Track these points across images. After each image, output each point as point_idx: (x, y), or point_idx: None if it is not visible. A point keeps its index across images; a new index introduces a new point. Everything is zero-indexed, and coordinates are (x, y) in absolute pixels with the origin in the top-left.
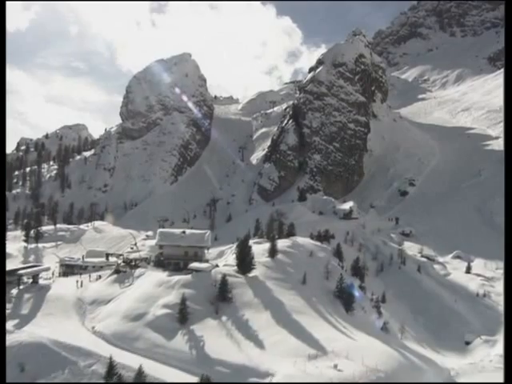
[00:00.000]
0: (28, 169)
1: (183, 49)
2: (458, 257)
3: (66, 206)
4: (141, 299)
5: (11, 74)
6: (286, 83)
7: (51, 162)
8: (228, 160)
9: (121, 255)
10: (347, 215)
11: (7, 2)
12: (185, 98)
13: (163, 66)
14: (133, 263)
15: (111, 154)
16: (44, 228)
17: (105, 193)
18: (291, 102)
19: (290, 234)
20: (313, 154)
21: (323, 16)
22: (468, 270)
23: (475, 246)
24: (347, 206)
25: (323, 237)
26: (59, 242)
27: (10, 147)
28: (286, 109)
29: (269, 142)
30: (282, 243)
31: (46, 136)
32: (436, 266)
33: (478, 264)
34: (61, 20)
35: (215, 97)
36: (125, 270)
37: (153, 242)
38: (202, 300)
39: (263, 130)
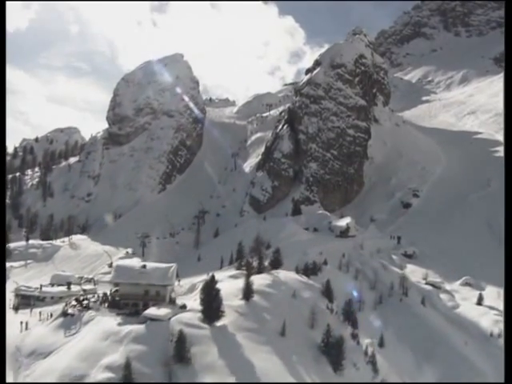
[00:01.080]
0: (10, 176)
1: (184, 48)
2: (467, 283)
3: (48, 217)
4: (82, 356)
5: (12, 74)
6: (286, 84)
7: (36, 169)
8: (220, 167)
9: (91, 279)
10: (344, 233)
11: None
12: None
13: (153, 68)
14: (84, 303)
15: (96, 161)
16: (13, 245)
17: (88, 202)
18: (288, 106)
19: (276, 263)
20: (309, 163)
21: (326, 15)
22: (479, 302)
23: (486, 268)
24: (344, 222)
25: (311, 269)
26: (29, 261)
27: (12, 148)
28: (281, 113)
29: (263, 148)
30: (260, 280)
31: (36, 139)
32: (443, 296)
33: (490, 293)
34: (61, 19)
35: (210, 99)
36: (73, 312)
37: (131, 262)
38: (153, 361)
39: (258, 134)
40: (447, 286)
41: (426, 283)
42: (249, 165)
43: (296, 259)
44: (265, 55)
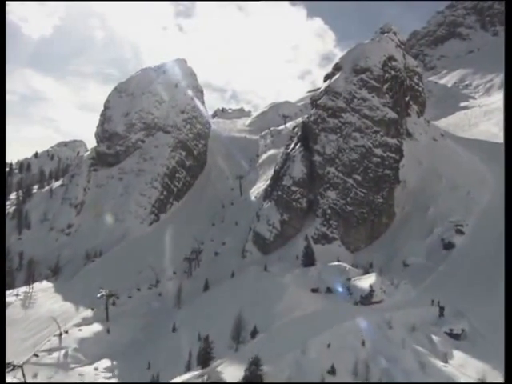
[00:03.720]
0: None
1: (210, 53)
2: None
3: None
4: None
5: (42, 82)
6: (309, 91)
7: (20, 192)
8: (226, 193)
9: (15, 367)
10: (367, 298)
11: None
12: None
13: (149, 75)
14: None
15: (80, 186)
16: None
17: (68, 235)
18: (301, 120)
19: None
20: (326, 191)
21: (356, 17)
22: None
23: None
24: (367, 282)
25: None
26: None
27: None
28: (293, 128)
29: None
30: None
31: (36, 155)
32: None
33: None
34: (86, 25)
35: (222, 109)
36: None
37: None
38: None
39: (271, 151)
40: None
41: None
42: (256, 190)
43: (289, 361)
44: (294, 59)
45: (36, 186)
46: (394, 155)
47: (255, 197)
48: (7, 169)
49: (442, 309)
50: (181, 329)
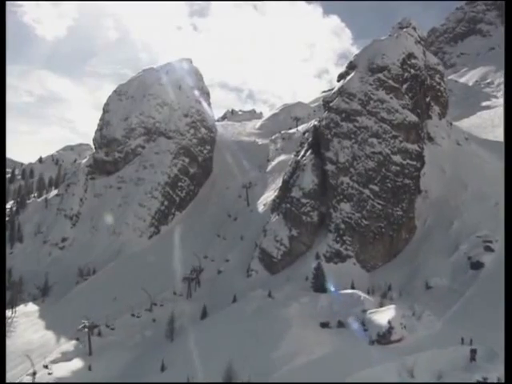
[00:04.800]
0: None
1: (226, 52)
2: None
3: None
4: None
5: (58, 83)
6: (324, 91)
7: (10, 203)
8: (233, 202)
9: None
10: (384, 336)
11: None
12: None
13: (151, 77)
14: None
15: (76, 196)
16: None
17: (62, 250)
18: (312, 124)
19: None
20: (340, 203)
21: (372, 14)
22: None
23: None
24: (385, 317)
25: None
26: None
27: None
28: (304, 133)
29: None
30: None
31: (40, 160)
32: None
33: None
34: (100, 26)
35: (232, 111)
36: None
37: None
38: None
39: (281, 157)
40: None
41: None
42: (264, 200)
43: None
44: (310, 58)
45: (35, 194)
46: (414, 163)
47: (263, 208)
48: (9, 175)
49: (473, 352)
50: (170, 368)
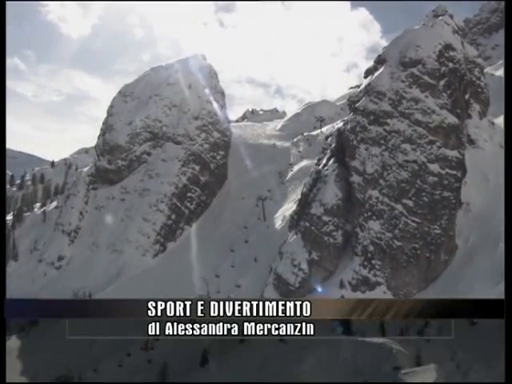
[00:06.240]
0: None
1: (253, 48)
2: None
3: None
4: None
5: (87, 81)
6: (352, 87)
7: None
8: (246, 216)
9: None
10: None
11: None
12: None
13: (160, 76)
14: None
15: (75, 209)
16: None
17: (58, 270)
18: (336, 127)
19: None
20: (368, 221)
21: (402, 6)
22: None
23: None
24: (423, 379)
25: None
26: None
27: None
28: (327, 138)
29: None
30: None
31: (52, 164)
32: None
33: None
34: (125, 24)
35: (252, 111)
36: None
37: None
38: None
39: (303, 163)
40: None
41: None
42: (282, 214)
43: None
44: (339, 52)
45: (39, 204)
46: (454, 172)
47: (280, 224)
48: (18, 181)
49: None
50: None
